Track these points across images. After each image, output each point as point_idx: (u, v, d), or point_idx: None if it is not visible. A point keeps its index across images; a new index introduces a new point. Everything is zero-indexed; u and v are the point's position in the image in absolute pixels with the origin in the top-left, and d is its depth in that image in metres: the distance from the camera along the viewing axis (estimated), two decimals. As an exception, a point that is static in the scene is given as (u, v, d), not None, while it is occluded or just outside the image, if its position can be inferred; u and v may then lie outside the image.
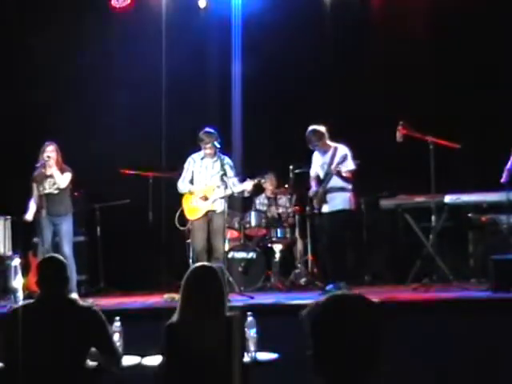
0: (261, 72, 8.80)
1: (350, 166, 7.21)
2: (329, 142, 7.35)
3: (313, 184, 7.47)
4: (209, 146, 7.32)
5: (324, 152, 7.34)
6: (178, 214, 7.60)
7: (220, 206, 7.31)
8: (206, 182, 7.41)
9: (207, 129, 7.40)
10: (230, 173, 7.35)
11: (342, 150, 7.25)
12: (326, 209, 7.29)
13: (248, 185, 7.34)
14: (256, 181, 7.44)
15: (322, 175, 7.35)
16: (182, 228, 7.65)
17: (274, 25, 8.93)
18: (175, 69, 8.99)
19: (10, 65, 8.98)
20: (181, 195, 7.49)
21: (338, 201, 7.22)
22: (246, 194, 7.59)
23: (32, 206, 7.57)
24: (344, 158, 7.15)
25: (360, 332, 2.07)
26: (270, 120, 9.34)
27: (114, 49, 9.14)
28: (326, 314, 2.10)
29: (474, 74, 8.75)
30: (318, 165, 7.41)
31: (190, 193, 7.42)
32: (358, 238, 8.62)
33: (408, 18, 9.11)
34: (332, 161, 7.23)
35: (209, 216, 7.33)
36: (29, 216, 7.58)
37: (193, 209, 7.40)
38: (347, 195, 7.27)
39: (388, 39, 9.12)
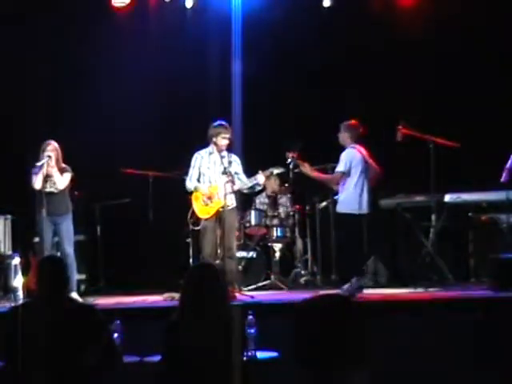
0: (261, 71, 8.78)
1: (338, 167, 7.02)
2: (347, 141, 7.06)
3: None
4: (228, 136, 7.11)
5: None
6: (189, 213, 7.28)
7: (231, 201, 7.14)
8: (215, 178, 7.19)
9: (221, 121, 7.18)
10: (239, 169, 7.24)
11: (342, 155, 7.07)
12: None
13: (261, 177, 7.18)
14: (268, 172, 7.28)
15: None
16: (196, 228, 7.29)
17: (275, 23, 8.93)
18: (175, 68, 8.99)
19: (9, 64, 8.97)
20: (186, 194, 7.33)
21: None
22: (258, 188, 7.38)
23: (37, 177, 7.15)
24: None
25: (338, 329, 2.12)
26: (270, 120, 9.32)
27: (114, 48, 9.13)
28: (310, 311, 2.16)
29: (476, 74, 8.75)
30: None
31: (196, 190, 7.22)
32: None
33: (409, 16, 9.12)
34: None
35: (220, 214, 7.07)
36: (38, 185, 7.17)
37: (204, 207, 7.20)
38: (340, 198, 7.08)
39: (388, 38, 9.11)
